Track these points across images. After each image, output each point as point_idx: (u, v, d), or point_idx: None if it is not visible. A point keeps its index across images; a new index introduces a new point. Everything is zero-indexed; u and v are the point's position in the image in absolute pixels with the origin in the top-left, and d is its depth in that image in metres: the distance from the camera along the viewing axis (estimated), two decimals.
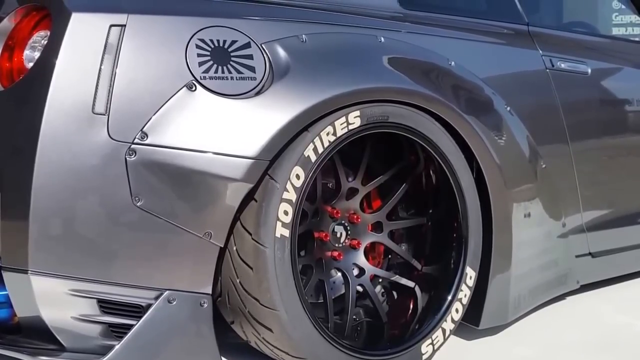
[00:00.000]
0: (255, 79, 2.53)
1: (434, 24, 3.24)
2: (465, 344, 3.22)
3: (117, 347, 2.42)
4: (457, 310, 3.00)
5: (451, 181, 2.97)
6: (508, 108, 3.23)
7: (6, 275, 2.40)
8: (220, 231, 2.50)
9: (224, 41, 2.52)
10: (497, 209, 3.08)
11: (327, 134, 2.65)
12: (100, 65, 2.36)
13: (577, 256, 3.63)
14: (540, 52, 3.56)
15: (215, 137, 2.44)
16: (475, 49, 3.33)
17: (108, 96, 2.35)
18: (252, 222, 2.56)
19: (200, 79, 2.45)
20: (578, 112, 3.66)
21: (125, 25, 2.40)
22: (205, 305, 2.53)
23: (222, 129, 2.46)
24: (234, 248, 2.60)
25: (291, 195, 2.58)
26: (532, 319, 3.49)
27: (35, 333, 2.46)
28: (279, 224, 2.56)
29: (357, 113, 2.71)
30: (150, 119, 2.39)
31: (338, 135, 2.68)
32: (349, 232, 3.03)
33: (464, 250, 3.01)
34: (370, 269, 3.09)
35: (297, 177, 2.60)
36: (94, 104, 2.34)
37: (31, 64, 2.44)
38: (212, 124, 2.45)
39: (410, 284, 3.09)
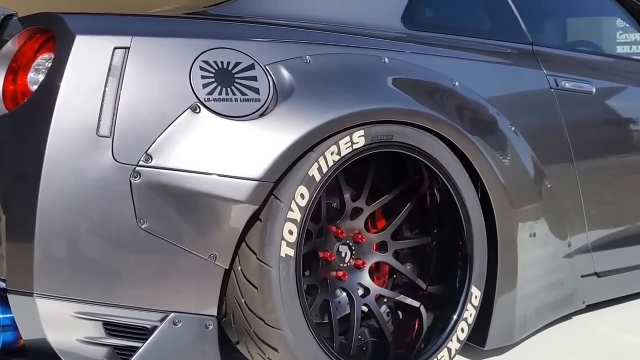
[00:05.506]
0: (259, 100, 2.53)
1: (438, 44, 3.24)
2: None
3: None
4: (462, 330, 3.00)
5: (456, 201, 2.97)
6: (513, 128, 3.23)
7: (12, 299, 2.39)
8: (225, 253, 2.49)
9: (228, 63, 2.53)
10: (503, 229, 3.08)
11: (332, 154, 2.65)
12: (105, 88, 2.36)
13: (583, 276, 3.62)
14: (545, 71, 3.55)
15: (220, 160, 2.44)
16: (479, 69, 3.32)
17: (113, 119, 2.35)
18: (257, 242, 2.56)
19: (205, 101, 2.45)
20: (583, 132, 3.65)
21: (129, 48, 2.40)
22: (211, 327, 2.53)
23: (227, 151, 2.46)
24: (239, 268, 2.59)
25: (296, 215, 2.58)
26: (538, 339, 3.47)
27: (41, 356, 2.45)
28: (284, 243, 2.56)
29: (362, 133, 2.71)
30: (155, 141, 2.39)
31: (343, 155, 2.68)
32: (354, 252, 3.03)
33: (469, 270, 3.01)
34: (375, 289, 3.08)
35: (302, 196, 2.60)
36: (98, 127, 2.35)
37: (35, 87, 2.44)
38: (216, 146, 2.45)
39: (416, 303, 3.08)
